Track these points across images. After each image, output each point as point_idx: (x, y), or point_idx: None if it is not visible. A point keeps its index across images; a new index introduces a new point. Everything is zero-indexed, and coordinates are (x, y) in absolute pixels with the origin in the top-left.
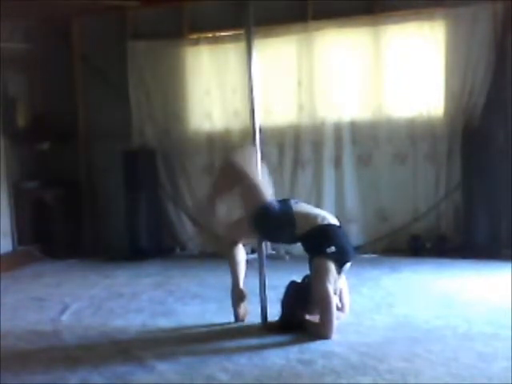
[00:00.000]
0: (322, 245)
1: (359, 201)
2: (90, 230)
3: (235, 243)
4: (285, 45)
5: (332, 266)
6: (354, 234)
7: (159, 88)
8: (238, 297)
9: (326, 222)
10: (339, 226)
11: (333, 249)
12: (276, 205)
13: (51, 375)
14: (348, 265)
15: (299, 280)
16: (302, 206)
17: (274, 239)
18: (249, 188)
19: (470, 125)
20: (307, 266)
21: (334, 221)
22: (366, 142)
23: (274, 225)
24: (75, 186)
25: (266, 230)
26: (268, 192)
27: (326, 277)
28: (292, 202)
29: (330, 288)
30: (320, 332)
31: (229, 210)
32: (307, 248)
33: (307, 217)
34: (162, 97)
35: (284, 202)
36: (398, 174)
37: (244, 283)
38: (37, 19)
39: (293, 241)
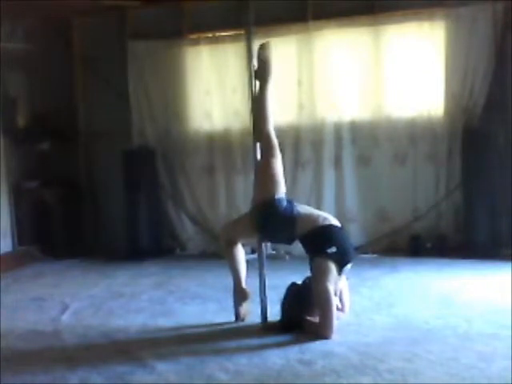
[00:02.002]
0: (323, 245)
1: (359, 201)
2: (89, 230)
3: (234, 243)
4: (285, 45)
5: (333, 266)
6: (354, 234)
7: (159, 88)
8: (240, 296)
9: (326, 223)
10: (340, 227)
11: (334, 249)
12: (283, 203)
13: (51, 375)
14: (349, 266)
15: (299, 281)
16: (303, 208)
17: (273, 237)
18: (265, 178)
19: (469, 125)
20: (307, 266)
21: (334, 222)
22: (366, 142)
23: (275, 223)
24: (75, 186)
25: (266, 227)
26: (281, 188)
27: (327, 276)
28: (294, 202)
29: (331, 288)
30: (320, 332)
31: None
32: (308, 249)
33: (308, 218)
34: (162, 97)
35: (288, 202)
36: (398, 174)
37: (246, 282)
38: (37, 19)
39: (290, 241)
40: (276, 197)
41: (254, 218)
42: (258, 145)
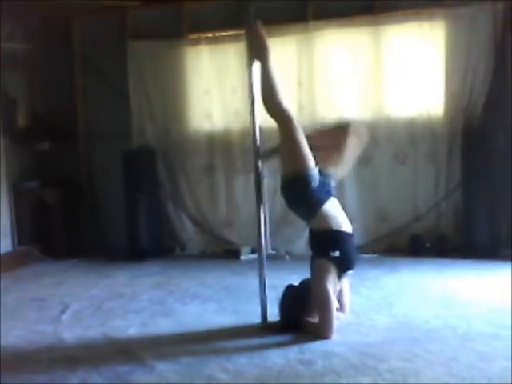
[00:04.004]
0: (328, 247)
1: (359, 201)
2: (90, 230)
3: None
4: (285, 45)
5: (333, 269)
6: (354, 234)
7: (159, 88)
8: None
9: (337, 228)
10: (350, 234)
11: (337, 254)
12: (315, 180)
13: (51, 375)
14: (349, 272)
15: (298, 281)
16: (331, 205)
17: (292, 208)
18: (293, 154)
19: (469, 125)
20: (307, 265)
21: (346, 227)
22: (366, 142)
23: (300, 199)
24: (75, 186)
25: (290, 198)
26: (311, 161)
27: (326, 277)
28: (332, 194)
29: (330, 288)
30: (319, 333)
31: None
32: (313, 246)
33: (324, 217)
34: (161, 97)
35: (325, 189)
36: (398, 174)
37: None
38: (37, 19)
39: (305, 219)
40: (307, 172)
41: (284, 182)
42: (275, 122)
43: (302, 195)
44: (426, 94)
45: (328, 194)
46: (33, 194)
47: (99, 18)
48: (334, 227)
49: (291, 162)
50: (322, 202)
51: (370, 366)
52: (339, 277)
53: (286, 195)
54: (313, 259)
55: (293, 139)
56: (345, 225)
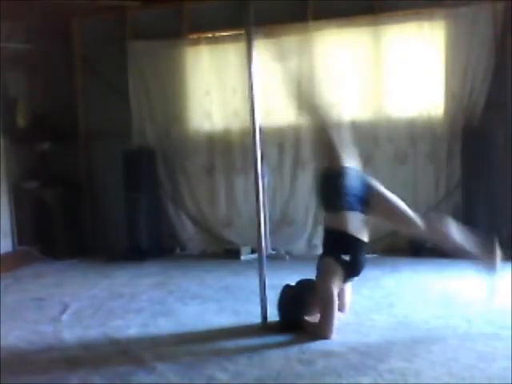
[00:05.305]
0: (340, 250)
1: None
2: (90, 230)
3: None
4: (285, 45)
5: (340, 271)
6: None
7: (159, 88)
8: None
9: (354, 234)
10: (364, 242)
11: (347, 258)
12: (352, 176)
13: (51, 375)
14: (354, 278)
15: (294, 283)
16: (358, 217)
17: (319, 195)
18: (328, 150)
19: (469, 125)
20: (307, 265)
21: (361, 235)
22: (366, 142)
23: (331, 188)
24: (75, 186)
25: (323, 186)
26: (348, 158)
27: (333, 277)
28: (364, 213)
29: (334, 288)
30: (320, 332)
31: None
32: (326, 245)
33: (346, 220)
34: (162, 97)
35: (360, 200)
36: (398, 174)
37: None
38: (37, 19)
39: (328, 209)
40: (343, 168)
41: (319, 174)
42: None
43: (336, 184)
44: (426, 94)
45: (361, 207)
46: (33, 194)
47: (99, 18)
48: (352, 232)
49: (328, 159)
50: (351, 203)
51: (370, 366)
52: (344, 281)
53: (322, 181)
54: (321, 258)
55: (328, 139)
56: (363, 234)
